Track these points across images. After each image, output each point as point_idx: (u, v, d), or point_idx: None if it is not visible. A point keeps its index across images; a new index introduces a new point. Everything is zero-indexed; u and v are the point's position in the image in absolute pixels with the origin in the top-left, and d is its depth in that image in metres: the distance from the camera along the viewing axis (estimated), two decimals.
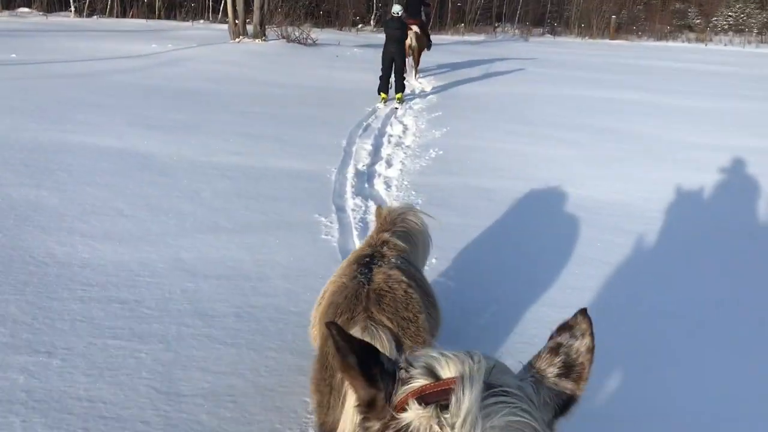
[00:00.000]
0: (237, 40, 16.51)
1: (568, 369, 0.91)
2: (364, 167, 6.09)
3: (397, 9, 9.96)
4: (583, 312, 0.96)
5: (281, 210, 4.68)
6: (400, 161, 6.35)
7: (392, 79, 9.77)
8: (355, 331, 1.83)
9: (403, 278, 2.13)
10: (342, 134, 7.18)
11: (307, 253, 3.98)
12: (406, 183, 5.65)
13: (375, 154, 6.64)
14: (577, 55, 22.53)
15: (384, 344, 1.82)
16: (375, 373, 0.85)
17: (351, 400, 1.33)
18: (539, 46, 27.13)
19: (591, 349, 0.92)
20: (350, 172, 5.80)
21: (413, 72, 12.38)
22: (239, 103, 8.54)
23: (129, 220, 4.27)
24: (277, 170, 5.67)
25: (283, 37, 16.95)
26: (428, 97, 10.60)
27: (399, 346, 1.85)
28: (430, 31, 14.24)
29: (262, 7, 16.76)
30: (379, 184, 5.65)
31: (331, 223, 4.51)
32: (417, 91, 11.52)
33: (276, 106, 8.56)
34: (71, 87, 8.72)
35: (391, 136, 7.52)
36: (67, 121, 6.76)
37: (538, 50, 24.21)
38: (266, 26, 17.26)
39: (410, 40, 11.11)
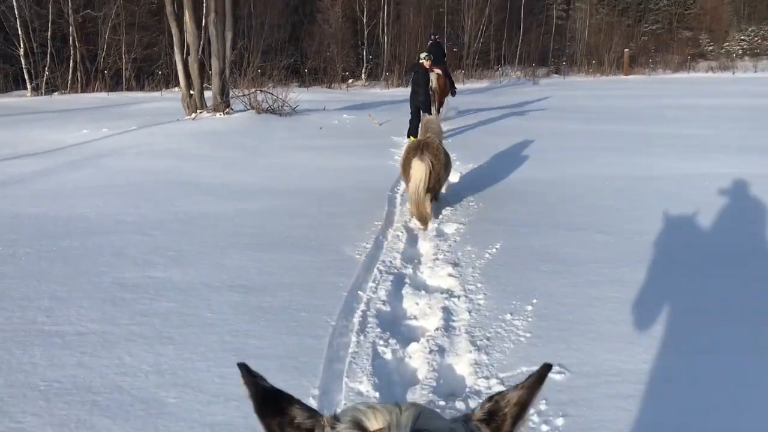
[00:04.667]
0: (192, 115, 12.92)
1: (492, 416, 0.88)
2: None
3: (423, 56, 10.94)
4: (546, 366, 0.90)
5: None
6: None
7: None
8: (416, 159, 5.35)
9: (438, 143, 5.83)
10: (322, 325, 3.33)
11: None
12: None
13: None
14: (608, 99, 18.92)
15: (428, 161, 5.33)
16: (271, 423, 0.85)
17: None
18: (553, 90, 23.64)
19: (519, 403, 0.88)
20: None
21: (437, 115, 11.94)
22: (128, 254, 4.66)
23: None
24: None
25: (253, 107, 13.39)
26: (457, 224, 6.79)
27: (429, 174, 5.31)
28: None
29: (222, 72, 13.17)
30: None
31: None
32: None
33: (203, 253, 4.72)
34: None
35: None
36: None
37: (556, 94, 20.73)
38: (230, 95, 13.66)
39: (432, 82, 11.40)
